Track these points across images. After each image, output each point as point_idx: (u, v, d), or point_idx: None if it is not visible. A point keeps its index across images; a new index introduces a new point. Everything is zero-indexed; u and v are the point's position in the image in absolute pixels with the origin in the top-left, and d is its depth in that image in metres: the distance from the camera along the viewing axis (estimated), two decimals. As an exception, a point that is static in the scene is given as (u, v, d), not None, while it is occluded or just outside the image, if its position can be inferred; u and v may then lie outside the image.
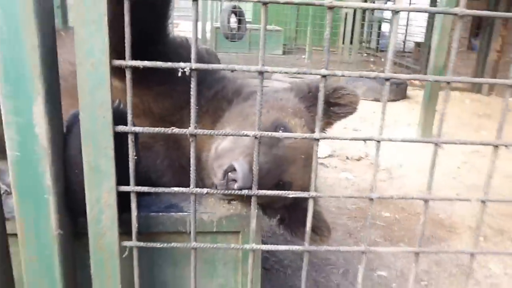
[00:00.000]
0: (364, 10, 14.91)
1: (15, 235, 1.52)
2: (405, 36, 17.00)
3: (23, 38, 1.16)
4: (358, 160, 6.40)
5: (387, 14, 16.89)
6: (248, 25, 14.73)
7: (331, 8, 1.09)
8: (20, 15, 1.15)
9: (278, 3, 1.09)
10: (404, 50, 16.75)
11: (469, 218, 4.82)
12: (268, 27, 15.60)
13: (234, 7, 13.79)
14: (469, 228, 4.62)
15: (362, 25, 16.20)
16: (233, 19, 14.08)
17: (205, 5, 13.36)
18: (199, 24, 12.60)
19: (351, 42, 14.73)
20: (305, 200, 1.85)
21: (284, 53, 16.43)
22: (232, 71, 1.12)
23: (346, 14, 14.43)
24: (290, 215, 1.97)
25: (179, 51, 1.89)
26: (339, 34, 15.46)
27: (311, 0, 1.11)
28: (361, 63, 14.33)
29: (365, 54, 16.97)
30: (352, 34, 14.58)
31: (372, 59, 15.90)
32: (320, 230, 1.91)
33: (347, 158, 6.42)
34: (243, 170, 1.42)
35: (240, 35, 14.10)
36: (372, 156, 6.43)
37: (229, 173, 1.45)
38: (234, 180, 1.42)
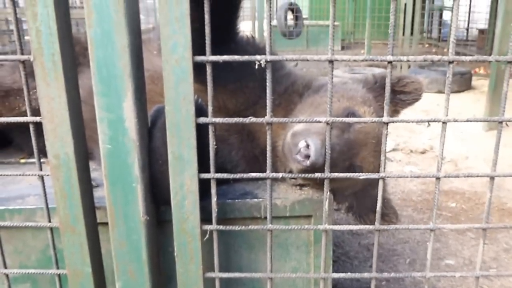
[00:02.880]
0: (423, -1, 14.58)
1: (103, 223, 1.66)
2: (468, 23, 16.46)
3: (115, 39, 1.29)
4: (423, 153, 6.31)
5: (448, 2, 16.44)
6: (305, 22, 14.69)
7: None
8: (113, 18, 1.27)
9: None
10: (467, 38, 16.23)
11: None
12: (325, 22, 15.49)
13: (291, 4, 13.78)
14: (540, 217, 4.49)
15: (423, 15, 15.76)
16: (290, 16, 14.08)
17: (261, 3, 13.43)
18: (256, 23, 12.73)
19: (411, 33, 14.39)
20: (373, 187, 1.92)
21: (342, 48, 16.23)
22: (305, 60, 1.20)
23: (405, 5, 14.12)
24: (358, 202, 2.05)
25: (247, 48, 2.01)
26: (399, 25, 15.08)
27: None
28: (422, 54, 13.96)
29: (427, 45, 16.56)
30: (412, 24, 14.24)
31: (434, 50, 15.51)
32: (388, 217, 1.99)
33: (411, 151, 6.35)
34: (315, 145, 1.50)
35: (298, 32, 14.07)
36: (437, 148, 6.32)
37: (302, 149, 1.52)
38: (307, 158, 1.51)
